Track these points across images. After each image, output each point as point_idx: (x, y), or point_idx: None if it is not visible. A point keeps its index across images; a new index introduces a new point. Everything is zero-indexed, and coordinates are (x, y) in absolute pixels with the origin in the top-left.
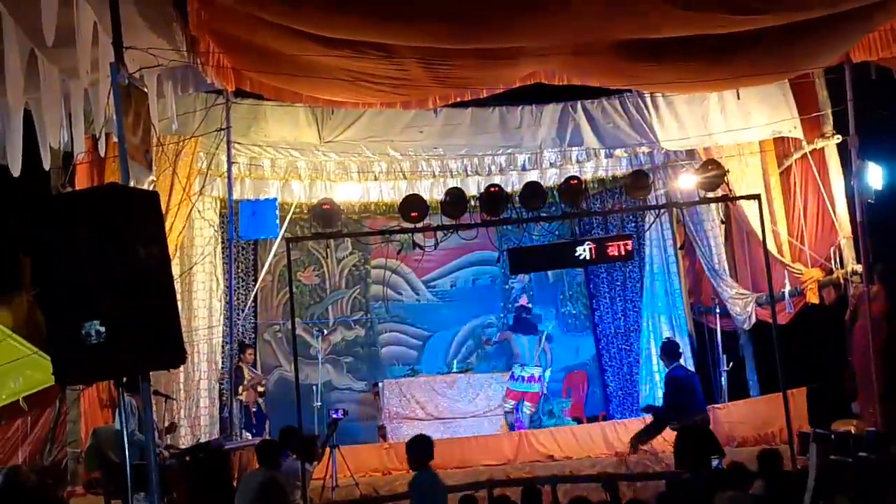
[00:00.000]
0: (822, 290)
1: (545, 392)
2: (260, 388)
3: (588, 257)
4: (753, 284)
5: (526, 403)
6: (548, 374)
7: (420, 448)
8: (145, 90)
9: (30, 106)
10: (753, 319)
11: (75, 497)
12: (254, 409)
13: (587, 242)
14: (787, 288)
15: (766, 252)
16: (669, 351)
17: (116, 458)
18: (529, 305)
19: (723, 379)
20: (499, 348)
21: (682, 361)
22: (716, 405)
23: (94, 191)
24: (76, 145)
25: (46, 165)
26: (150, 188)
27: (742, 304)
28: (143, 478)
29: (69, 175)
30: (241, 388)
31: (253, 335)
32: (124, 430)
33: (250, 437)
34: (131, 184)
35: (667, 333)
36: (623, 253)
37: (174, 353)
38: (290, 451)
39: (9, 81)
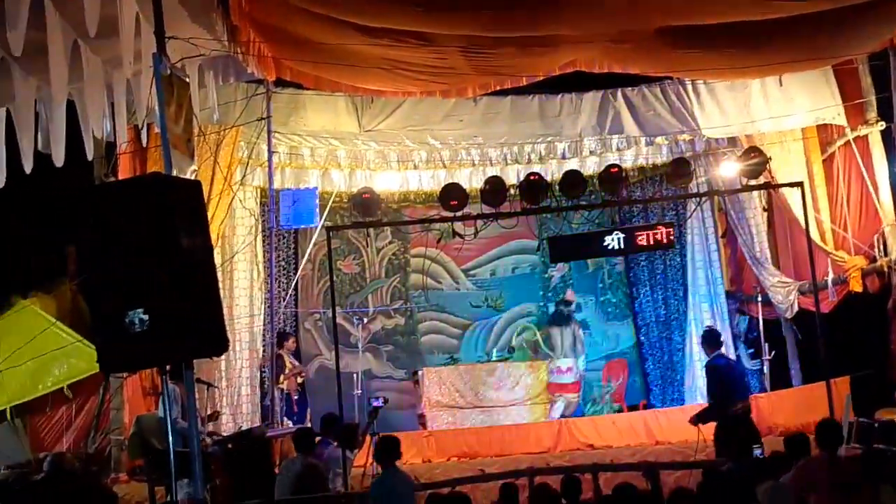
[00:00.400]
0: (865, 278)
1: (582, 379)
2: (300, 379)
3: (616, 247)
4: (796, 273)
5: (567, 396)
6: (581, 361)
7: (386, 447)
8: (187, 80)
9: (73, 96)
10: (796, 308)
11: (119, 484)
12: (295, 398)
13: (616, 232)
14: (830, 276)
15: (809, 240)
16: (710, 340)
17: (159, 446)
18: (574, 300)
19: (765, 368)
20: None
21: (723, 350)
22: (757, 394)
23: (138, 180)
24: (119, 135)
25: (90, 155)
26: (193, 177)
27: (784, 293)
28: (186, 465)
29: (112, 165)
30: (282, 377)
31: (293, 324)
32: (168, 417)
33: (291, 425)
34: (174, 173)
35: (708, 322)
36: (653, 242)
37: (217, 341)
38: (331, 439)
39: (53, 72)
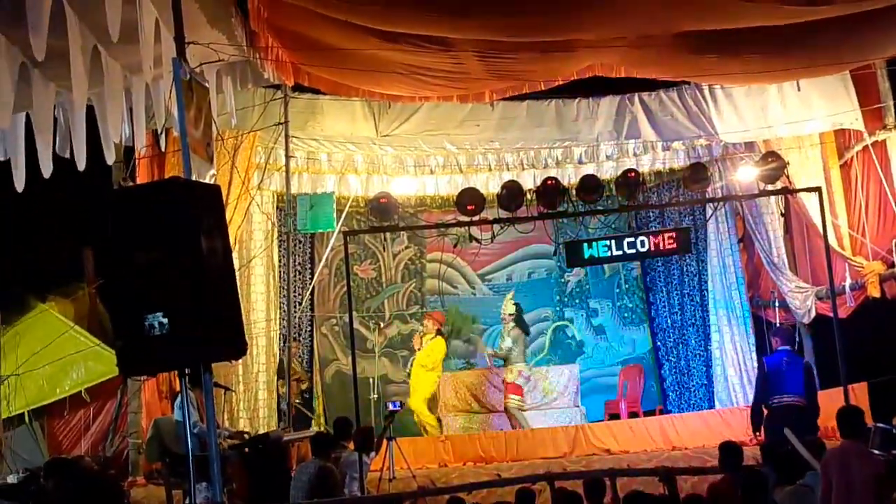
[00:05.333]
0: (883, 284)
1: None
2: (303, 385)
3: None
4: (813, 278)
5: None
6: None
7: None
8: (206, 85)
9: (91, 101)
10: (813, 313)
11: (137, 487)
12: (297, 402)
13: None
14: (848, 281)
15: (827, 245)
16: (775, 336)
17: (177, 449)
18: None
19: None
20: (554, 341)
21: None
22: None
23: (159, 184)
24: (137, 140)
25: (109, 160)
26: (211, 182)
27: (801, 298)
28: (204, 468)
29: (131, 169)
30: (281, 382)
31: (310, 328)
32: (187, 420)
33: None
34: (193, 177)
35: (725, 327)
36: (664, 248)
37: (236, 344)
38: (347, 444)
39: (74, 77)
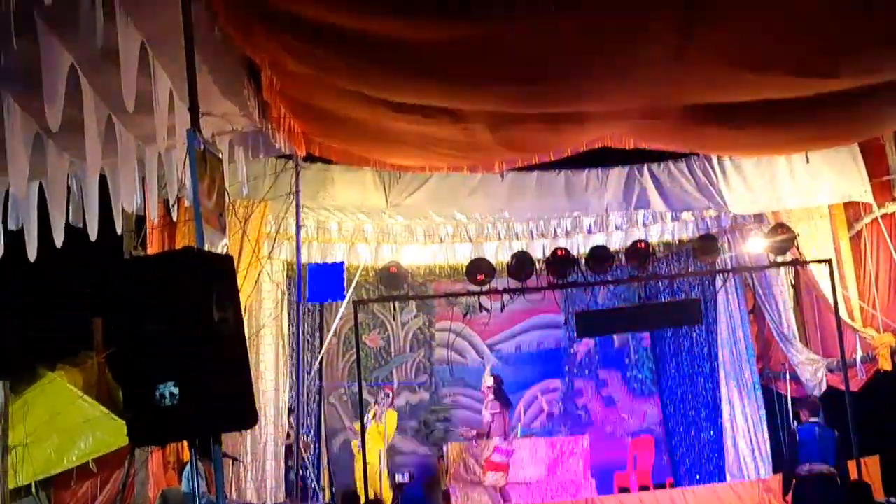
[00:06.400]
0: (894, 356)
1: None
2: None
3: None
4: (824, 350)
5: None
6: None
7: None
8: (220, 155)
9: (104, 171)
10: (824, 385)
11: None
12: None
13: None
14: (859, 354)
15: (838, 317)
16: (803, 409)
17: None
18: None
19: None
20: (564, 412)
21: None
22: None
23: (172, 254)
24: (150, 209)
25: (119, 229)
26: (224, 252)
27: (812, 370)
28: None
29: (141, 238)
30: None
31: (318, 398)
32: (196, 491)
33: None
34: (206, 247)
35: (736, 399)
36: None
37: (247, 414)
38: None
39: (88, 148)
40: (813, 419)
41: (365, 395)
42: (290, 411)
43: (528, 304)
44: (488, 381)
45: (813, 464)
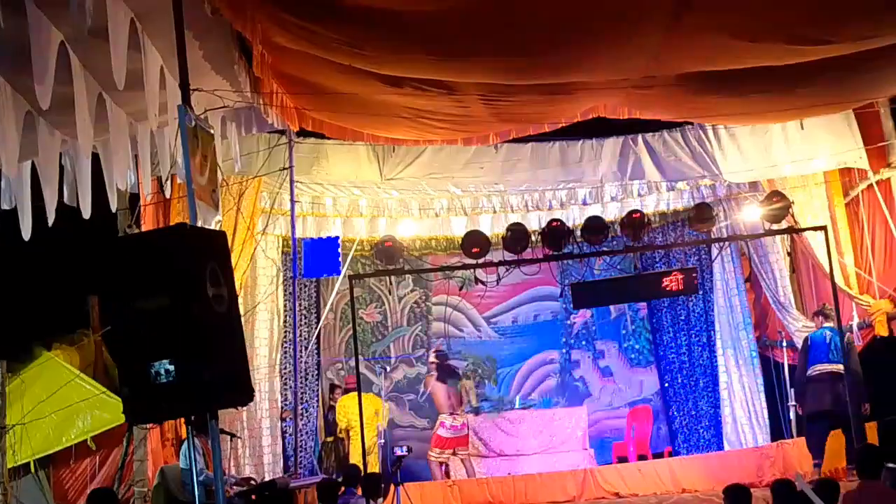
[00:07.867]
0: (890, 322)
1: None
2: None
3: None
4: None
5: (459, 450)
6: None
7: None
8: (211, 132)
9: (97, 149)
10: None
11: None
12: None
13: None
14: (856, 320)
15: (834, 284)
16: (817, 316)
17: (183, 497)
18: (444, 350)
19: (791, 413)
20: (561, 384)
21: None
22: (784, 440)
23: (166, 231)
24: (143, 187)
25: (113, 207)
26: (217, 228)
27: None
28: None
29: (135, 216)
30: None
31: (316, 373)
32: (193, 468)
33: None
34: (199, 224)
35: (733, 367)
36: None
37: (243, 391)
38: (355, 489)
39: (79, 126)
40: (827, 324)
41: (363, 370)
42: (287, 387)
43: (524, 277)
44: (431, 356)
45: (821, 364)
